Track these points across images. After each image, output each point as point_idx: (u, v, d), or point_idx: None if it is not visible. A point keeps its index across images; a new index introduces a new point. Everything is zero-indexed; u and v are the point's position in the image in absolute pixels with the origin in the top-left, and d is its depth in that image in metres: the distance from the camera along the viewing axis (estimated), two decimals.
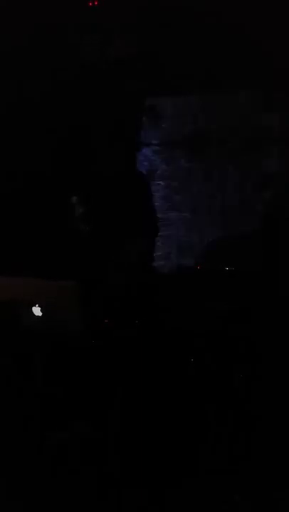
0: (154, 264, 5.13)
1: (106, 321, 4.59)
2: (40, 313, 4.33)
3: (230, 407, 4.58)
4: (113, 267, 4.79)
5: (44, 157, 6.05)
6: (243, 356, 4.68)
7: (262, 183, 5.93)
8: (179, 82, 6.23)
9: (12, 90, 6.12)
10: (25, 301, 4.34)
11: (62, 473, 4.33)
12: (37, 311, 4.34)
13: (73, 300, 4.31)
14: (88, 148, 5.54)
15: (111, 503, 4.18)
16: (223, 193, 6.57)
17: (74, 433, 4.41)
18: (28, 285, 4.39)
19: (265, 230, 5.50)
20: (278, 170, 6.25)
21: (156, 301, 4.82)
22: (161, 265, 6.03)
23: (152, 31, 6.18)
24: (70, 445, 4.38)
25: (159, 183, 6.72)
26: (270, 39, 5.93)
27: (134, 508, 4.16)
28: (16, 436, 4.32)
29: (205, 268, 5.30)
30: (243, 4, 5.88)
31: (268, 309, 4.74)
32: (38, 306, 4.33)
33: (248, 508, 4.13)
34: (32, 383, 4.39)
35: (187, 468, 4.39)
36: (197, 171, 6.65)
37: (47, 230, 5.80)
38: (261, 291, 4.83)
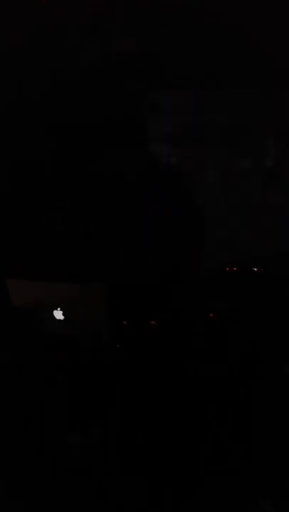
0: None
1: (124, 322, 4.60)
2: (62, 317, 4.34)
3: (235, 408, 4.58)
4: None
5: (46, 158, 6.04)
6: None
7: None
8: (178, 81, 6.23)
9: (12, 90, 6.12)
10: (47, 304, 4.35)
11: (64, 474, 4.33)
12: (59, 314, 4.35)
13: (96, 303, 4.32)
14: (90, 149, 5.54)
15: (111, 503, 4.19)
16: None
17: (90, 434, 4.42)
18: (50, 289, 4.39)
19: None
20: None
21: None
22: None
23: (152, 31, 6.18)
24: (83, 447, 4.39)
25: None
26: (270, 39, 5.93)
27: (134, 508, 4.17)
28: (48, 438, 4.33)
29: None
30: (243, 4, 5.88)
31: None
32: (60, 309, 4.34)
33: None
34: (53, 385, 4.40)
35: (189, 469, 4.39)
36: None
37: (68, 234, 5.78)
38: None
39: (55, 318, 4.33)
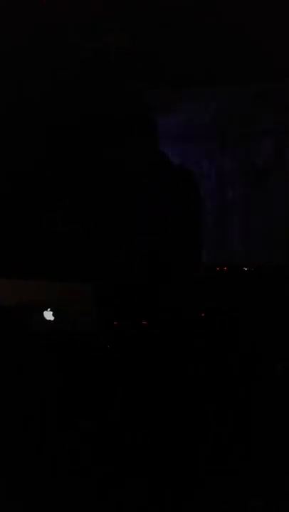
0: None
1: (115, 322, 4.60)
2: (52, 317, 4.28)
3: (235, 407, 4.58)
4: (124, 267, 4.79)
5: (46, 158, 6.04)
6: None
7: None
8: (178, 80, 6.23)
9: (12, 90, 6.11)
10: (36, 304, 4.29)
11: (63, 473, 4.33)
12: (49, 315, 4.29)
13: (86, 302, 4.27)
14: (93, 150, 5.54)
15: (111, 503, 4.19)
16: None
17: (80, 433, 4.41)
18: (39, 288, 4.34)
19: None
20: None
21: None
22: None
23: (152, 31, 6.18)
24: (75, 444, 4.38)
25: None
26: (270, 39, 5.92)
27: (134, 508, 4.17)
28: (30, 438, 4.32)
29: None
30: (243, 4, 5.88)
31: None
32: (50, 310, 4.28)
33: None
34: (41, 385, 4.39)
35: (189, 469, 4.39)
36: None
37: (56, 231, 5.78)
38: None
39: (44, 319, 4.28)
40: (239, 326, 4.70)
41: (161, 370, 4.52)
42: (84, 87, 6.14)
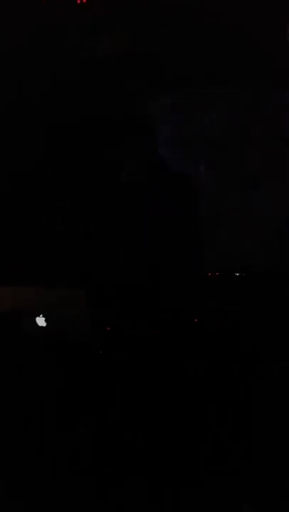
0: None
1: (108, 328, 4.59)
2: (44, 324, 4.25)
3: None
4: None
5: (46, 159, 6.05)
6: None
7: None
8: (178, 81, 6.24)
9: (12, 90, 6.12)
10: (29, 311, 4.26)
11: (63, 474, 4.33)
12: (41, 321, 4.27)
13: (79, 308, 4.24)
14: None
15: (111, 503, 4.19)
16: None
17: (77, 435, 4.41)
18: (31, 294, 4.31)
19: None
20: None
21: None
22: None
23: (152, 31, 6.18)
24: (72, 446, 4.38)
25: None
26: (269, 39, 5.93)
27: (134, 508, 4.17)
28: (24, 440, 4.32)
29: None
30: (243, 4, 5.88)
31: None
32: (43, 316, 4.26)
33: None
34: (35, 390, 4.38)
35: (189, 469, 4.40)
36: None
37: (48, 237, 5.79)
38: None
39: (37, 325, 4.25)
40: (232, 328, 4.73)
41: (156, 371, 4.53)
42: (84, 87, 6.15)
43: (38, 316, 4.24)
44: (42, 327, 4.25)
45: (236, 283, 5.10)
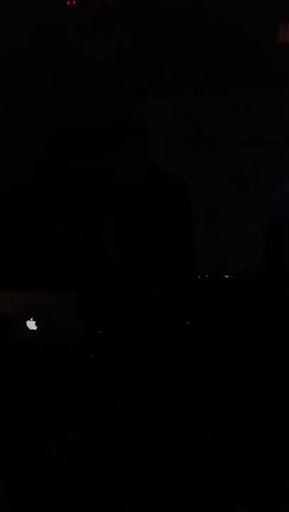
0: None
1: (100, 331, 4.59)
2: (34, 327, 4.28)
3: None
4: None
5: (46, 159, 6.04)
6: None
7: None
8: (178, 82, 6.23)
9: (12, 90, 6.12)
10: (19, 314, 4.29)
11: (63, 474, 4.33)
12: (32, 324, 4.29)
13: (70, 312, 4.27)
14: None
15: (111, 503, 4.19)
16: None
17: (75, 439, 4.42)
18: (21, 298, 4.33)
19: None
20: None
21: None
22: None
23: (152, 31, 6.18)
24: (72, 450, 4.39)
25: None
26: (269, 39, 5.93)
27: (134, 508, 4.17)
28: (21, 443, 4.32)
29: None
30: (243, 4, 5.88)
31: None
32: (33, 319, 4.28)
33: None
34: (35, 391, 4.38)
35: (189, 469, 4.40)
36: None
37: (48, 237, 5.78)
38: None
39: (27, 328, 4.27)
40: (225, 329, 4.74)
41: (156, 372, 4.54)
42: (84, 87, 6.15)
43: (29, 319, 4.27)
44: (34, 330, 4.28)
45: (225, 284, 5.11)
